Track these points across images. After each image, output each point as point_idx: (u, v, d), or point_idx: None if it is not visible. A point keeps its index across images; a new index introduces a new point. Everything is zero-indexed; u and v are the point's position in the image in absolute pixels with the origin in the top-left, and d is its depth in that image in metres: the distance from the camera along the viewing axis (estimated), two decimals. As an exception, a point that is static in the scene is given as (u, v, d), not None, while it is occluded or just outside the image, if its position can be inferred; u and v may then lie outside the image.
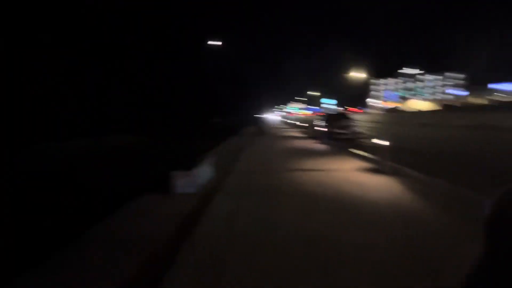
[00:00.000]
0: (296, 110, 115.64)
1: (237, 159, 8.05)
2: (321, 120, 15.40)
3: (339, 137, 12.67)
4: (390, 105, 73.44)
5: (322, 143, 11.44)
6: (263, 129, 18.40)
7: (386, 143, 5.76)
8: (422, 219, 3.19)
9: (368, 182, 4.90)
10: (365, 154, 7.94)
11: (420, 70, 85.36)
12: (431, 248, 2.52)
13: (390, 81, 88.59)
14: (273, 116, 78.84)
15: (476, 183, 4.53)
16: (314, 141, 12.50)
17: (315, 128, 15.21)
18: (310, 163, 6.96)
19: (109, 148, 14.89)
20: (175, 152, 11.29)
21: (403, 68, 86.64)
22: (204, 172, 5.40)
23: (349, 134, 12.78)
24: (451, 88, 79.98)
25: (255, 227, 3.20)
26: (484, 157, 7.62)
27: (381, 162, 5.69)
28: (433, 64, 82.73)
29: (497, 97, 49.01)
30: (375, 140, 5.98)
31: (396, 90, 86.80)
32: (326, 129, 12.67)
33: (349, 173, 5.70)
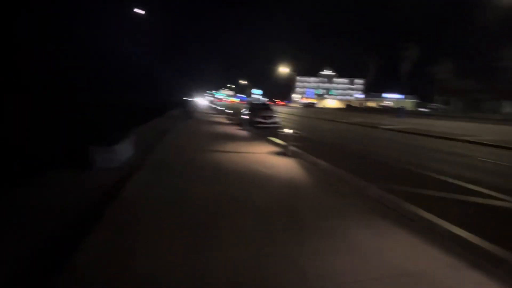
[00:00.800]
0: (225, 97, 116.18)
1: (160, 140, 8.19)
2: (246, 108, 16.54)
3: (260, 126, 14.03)
4: (308, 100, 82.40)
5: (244, 129, 12.49)
6: (190, 112, 18.34)
7: (291, 131, 7.07)
8: (299, 184, 4.40)
9: (272, 162, 6.03)
10: (278, 141, 9.32)
11: (335, 73, 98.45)
12: (296, 198, 3.67)
13: (312, 79, 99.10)
14: (203, 101, 77.06)
15: (343, 163, 6.24)
16: (237, 127, 13.46)
17: (240, 116, 16.25)
18: (229, 146, 7.79)
19: None
20: (85, 124, 10.34)
21: (323, 69, 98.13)
22: (125, 149, 5.50)
23: (269, 123, 14.28)
24: (355, 92, 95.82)
25: (169, 193, 3.79)
26: (358, 146, 10.08)
27: (287, 148, 6.97)
28: (345, 69, 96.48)
29: (384, 102, 61.73)
30: (286, 130, 7.19)
31: (316, 88, 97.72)
32: (249, 117, 13.81)
33: (260, 155, 6.78)
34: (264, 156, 6.64)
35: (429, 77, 52.17)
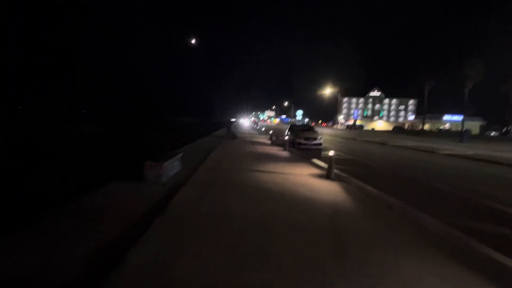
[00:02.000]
0: (268, 118, 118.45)
1: (204, 158, 8.62)
2: (288, 129, 16.56)
3: (302, 147, 13.83)
4: (351, 122, 79.04)
5: (286, 151, 12.43)
6: (234, 133, 19.07)
7: (335, 154, 6.79)
8: (344, 209, 4.11)
9: (315, 184, 5.82)
10: (321, 163, 9.02)
11: (383, 93, 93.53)
12: (341, 225, 3.41)
13: (360, 100, 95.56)
14: (247, 122, 79.95)
15: (395, 190, 5.68)
16: (279, 148, 13.48)
17: (283, 137, 16.31)
18: (271, 166, 7.79)
19: (81, 136, 14.45)
20: (144, 145, 11.48)
21: (372, 90, 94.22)
22: (173, 166, 5.92)
23: (311, 145, 13.99)
24: (408, 113, 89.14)
25: (212, 209, 3.88)
26: (405, 172, 9.12)
27: (330, 170, 6.69)
28: (395, 90, 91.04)
29: (447, 124, 55.62)
30: (330, 152, 6.95)
31: (364, 109, 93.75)
32: (291, 138, 13.74)
33: (302, 177, 6.61)
34: (306, 178, 6.45)
35: (499, 97, 45.90)
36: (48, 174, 5.61)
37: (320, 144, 14.23)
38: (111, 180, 5.09)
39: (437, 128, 52.85)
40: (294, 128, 16.06)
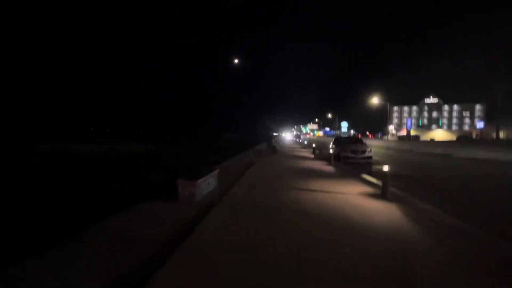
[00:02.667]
0: (311, 131, 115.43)
1: (243, 174, 8.23)
2: (334, 142, 15.42)
3: (349, 161, 12.60)
4: (404, 133, 71.77)
5: (332, 165, 11.40)
6: (275, 147, 18.57)
7: (388, 168, 5.74)
8: (408, 241, 3.17)
9: (367, 206, 4.88)
10: (373, 179, 7.88)
11: (443, 99, 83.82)
12: (406, 265, 2.53)
13: (413, 108, 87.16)
14: (290, 135, 79.00)
15: (474, 216, 4.41)
16: (324, 162, 12.48)
17: (328, 150, 15.23)
18: (315, 184, 7.00)
19: (120, 155, 15.57)
20: (187, 162, 11.70)
21: (428, 96, 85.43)
22: (207, 183, 5.61)
23: (360, 158, 12.67)
24: (475, 119, 77.97)
25: (244, 235, 3.33)
26: (483, 194, 7.33)
27: (385, 189, 5.65)
28: (456, 94, 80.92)
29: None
30: (385, 168, 5.95)
31: (419, 118, 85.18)
32: (337, 152, 12.66)
33: (351, 196, 5.69)
34: (356, 198, 5.53)
35: None
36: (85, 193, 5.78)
37: (370, 157, 12.83)
38: (146, 199, 4.97)
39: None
40: (339, 141, 14.90)
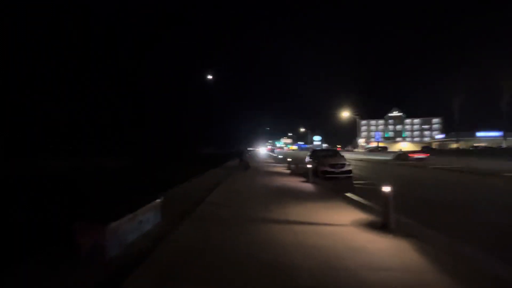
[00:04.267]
0: (284, 145, 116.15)
1: (203, 199, 6.42)
2: (310, 156, 14.20)
3: (328, 176, 11.36)
4: (373, 145, 74.56)
5: (310, 182, 10.00)
6: (247, 162, 16.92)
7: (370, 183, 4.38)
8: None
9: (372, 249, 3.37)
10: (361, 200, 6.53)
11: (405, 113, 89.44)
12: None
13: (379, 122, 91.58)
14: (263, 150, 78.06)
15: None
16: (300, 179, 11.06)
17: (304, 165, 13.96)
18: (294, 211, 5.42)
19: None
20: (135, 184, 9.59)
21: (391, 111, 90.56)
22: (140, 221, 3.77)
23: (339, 173, 11.48)
24: (433, 132, 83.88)
25: None
26: (499, 211, 6.34)
27: (387, 216, 4.23)
28: (415, 109, 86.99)
29: (478, 142, 50.29)
30: (385, 188, 4.57)
31: (385, 131, 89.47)
32: (314, 166, 11.35)
33: (345, 230, 4.18)
34: (352, 233, 4.01)
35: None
36: None
37: (350, 171, 11.69)
38: (30, 253, 2.99)
39: (471, 146, 47.64)
40: (316, 154, 13.70)
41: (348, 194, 7.40)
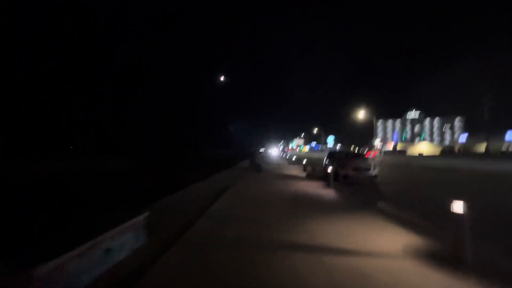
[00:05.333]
0: (297, 146, 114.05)
1: (206, 209, 5.28)
2: (328, 158, 12.82)
3: (350, 181, 9.98)
4: (391, 146, 71.38)
5: (331, 187, 8.70)
6: (259, 164, 15.73)
7: (462, 208, 3.03)
8: None
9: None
10: (403, 214, 5.19)
11: (425, 113, 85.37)
12: None
13: (396, 122, 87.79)
14: (276, 151, 76.63)
15: None
16: (319, 183, 9.76)
17: (323, 167, 12.62)
18: (320, 229, 4.17)
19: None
20: (138, 187, 8.64)
21: (409, 111, 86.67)
22: (107, 250, 2.66)
23: (363, 177, 10.07)
24: (455, 132, 79.50)
25: None
26: None
27: (463, 247, 2.92)
28: (437, 107, 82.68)
29: (509, 144, 46.51)
30: (456, 205, 3.24)
31: (403, 132, 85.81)
32: (334, 170, 9.92)
33: (402, 265, 2.89)
34: (414, 272, 2.72)
35: None
36: None
37: (376, 176, 10.24)
38: None
39: (505, 149, 43.92)
40: (335, 156, 12.31)
41: (382, 204, 6.07)
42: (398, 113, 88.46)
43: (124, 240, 2.97)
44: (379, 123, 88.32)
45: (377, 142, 78.73)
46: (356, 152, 14.07)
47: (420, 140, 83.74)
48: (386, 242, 3.58)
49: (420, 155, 53.38)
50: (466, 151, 56.81)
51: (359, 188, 8.95)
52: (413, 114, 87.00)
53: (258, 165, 15.07)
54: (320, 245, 3.47)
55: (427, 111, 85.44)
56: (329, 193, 7.79)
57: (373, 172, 10.24)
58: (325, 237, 3.80)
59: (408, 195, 7.70)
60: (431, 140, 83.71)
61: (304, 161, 15.38)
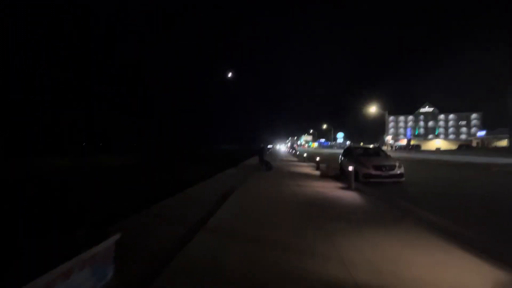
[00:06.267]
0: (305, 142, 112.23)
1: (201, 224, 4.25)
2: (344, 155, 11.63)
3: (372, 181, 8.82)
4: (404, 142, 68.78)
5: (351, 189, 7.57)
6: (269, 162, 14.62)
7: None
8: None
9: None
10: (452, 226, 4.02)
11: (438, 108, 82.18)
12: None
13: (409, 118, 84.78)
14: (284, 147, 75.29)
15: None
16: (336, 184, 8.63)
17: (340, 165, 11.44)
18: (352, 250, 3.07)
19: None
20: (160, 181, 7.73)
21: (423, 106, 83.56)
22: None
23: (387, 176, 8.87)
24: (472, 127, 76.25)
25: None
26: None
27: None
28: (452, 103, 79.38)
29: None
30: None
31: (416, 128, 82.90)
32: (352, 168, 8.68)
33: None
34: None
35: None
36: None
37: (401, 175, 9.03)
38: None
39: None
40: (352, 153, 11.10)
41: (425, 214, 4.91)
42: (409, 109, 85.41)
43: (81, 280, 1.97)
44: (391, 119, 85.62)
45: (389, 138, 76.25)
46: (375, 148, 12.80)
47: (434, 136, 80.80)
48: (451, 274, 2.47)
49: (438, 149, 50.85)
50: (484, 146, 54.18)
51: (384, 190, 7.78)
52: (426, 109, 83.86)
53: (267, 163, 13.99)
54: (362, 282, 2.39)
55: (441, 107, 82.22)
56: (351, 196, 6.66)
57: (398, 170, 9.03)
58: (363, 264, 2.71)
59: (450, 201, 6.49)
60: (446, 135, 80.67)
61: (317, 158, 14.20)
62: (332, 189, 7.68)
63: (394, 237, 3.58)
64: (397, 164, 9.22)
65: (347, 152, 11.69)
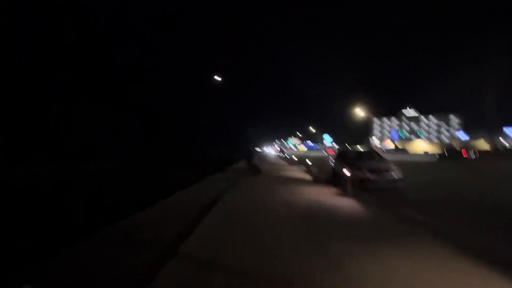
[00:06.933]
0: (293, 145, 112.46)
1: (174, 249, 3.36)
2: (337, 158, 11.01)
3: (369, 186, 8.17)
4: (391, 145, 69.75)
5: (348, 195, 6.88)
6: (257, 166, 13.81)
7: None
8: None
9: None
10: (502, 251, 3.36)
11: (419, 110, 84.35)
12: None
13: (393, 121, 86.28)
14: (273, 150, 74.72)
15: None
16: (331, 190, 7.95)
17: (332, 170, 10.78)
18: (369, 282, 2.32)
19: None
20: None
21: (405, 108, 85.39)
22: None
23: (384, 181, 8.25)
24: (456, 130, 78.48)
25: None
26: None
27: None
28: (430, 103, 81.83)
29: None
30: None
31: (400, 130, 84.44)
32: (347, 172, 7.99)
33: None
34: None
35: None
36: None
37: (399, 180, 8.45)
38: None
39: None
40: (347, 156, 10.48)
41: (438, 224, 4.26)
42: (393, 111, 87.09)
43: None
44: (375, 120, 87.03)
45: (374, 140, 77.42)
46: (370, 150, 12.26)
47: (417, 138, 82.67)
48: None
49: (426, 153, 51.30)
50: (474, 149, 55.56)
51: (383, 197, 7.16)
52: (408, 111, 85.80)
53: (256, 167, 13.20)
54: None
55: (422, 109, 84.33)
56: (350, 205, 5.96)
57: (395, 174, 8.45)
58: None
59: (460, 209, 5.92)
60: (429, 137, 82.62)
61: (310, 162, 13.57)
62: (327, 197, 6.98)
63: (407, 256, 2.86)
64: (393, 167, 8.66)
65: (340, 155, 11.09)
